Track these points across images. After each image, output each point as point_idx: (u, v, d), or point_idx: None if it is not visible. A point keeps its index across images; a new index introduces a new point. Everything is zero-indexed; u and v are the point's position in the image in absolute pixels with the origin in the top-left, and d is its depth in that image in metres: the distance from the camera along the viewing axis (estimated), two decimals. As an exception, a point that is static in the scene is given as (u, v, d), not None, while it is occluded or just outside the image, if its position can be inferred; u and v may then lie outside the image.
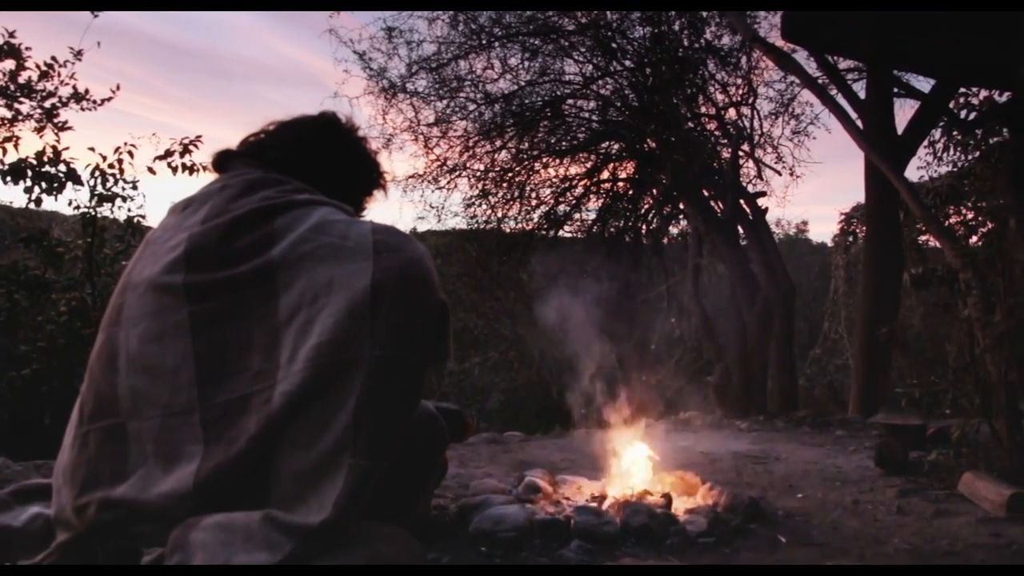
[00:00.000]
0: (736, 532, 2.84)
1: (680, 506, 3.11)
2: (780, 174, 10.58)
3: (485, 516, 2.75)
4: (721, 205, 9.26)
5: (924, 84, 8.65)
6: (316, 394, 1.26)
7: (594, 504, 2.99)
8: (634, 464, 3.50)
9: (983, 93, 8.50)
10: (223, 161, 1.63)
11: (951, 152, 9.65)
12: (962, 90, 8.36)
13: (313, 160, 1.64)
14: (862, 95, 7.66)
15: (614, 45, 9.79)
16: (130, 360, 1.36)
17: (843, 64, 9.04)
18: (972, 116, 8.78)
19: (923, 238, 11.54)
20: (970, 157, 9.49)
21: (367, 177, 1.79)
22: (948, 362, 9.31)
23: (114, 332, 1.41)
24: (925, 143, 8.76)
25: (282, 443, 1.26)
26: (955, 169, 9.72)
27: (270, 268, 1.35)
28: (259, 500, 1.25)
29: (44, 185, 6.01)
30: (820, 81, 7.24)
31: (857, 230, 15.65)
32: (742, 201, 9.29)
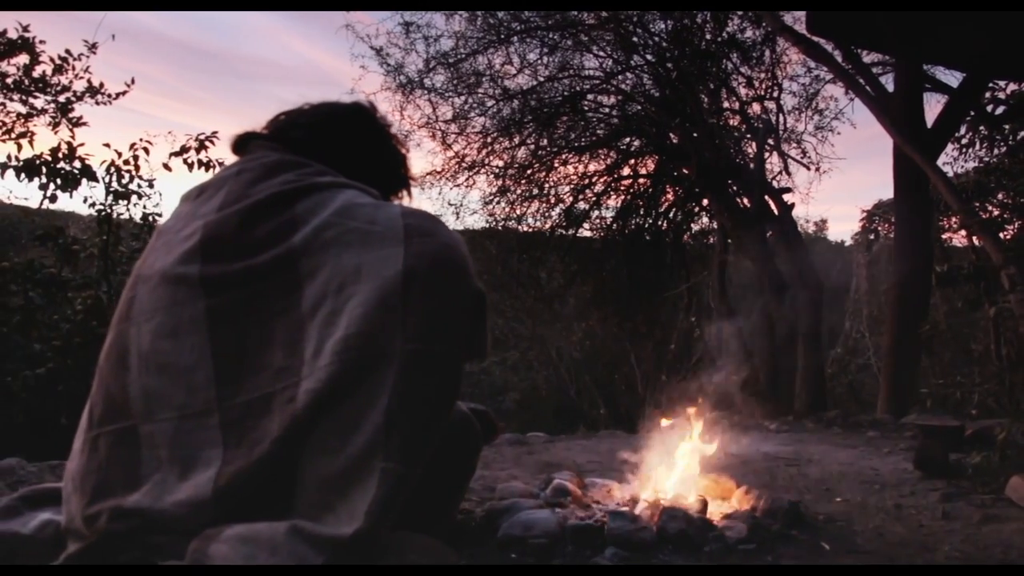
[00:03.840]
0: (777, 538, 2.71)
1: (716, 511, 2.99)
2: (808, 168, 10.46)
3: (514, 521, 2.64)
4: (747, 201, 9.10)
5: (951, 78, 8.47)
6: (344, 392, 1.16)
7: (626, 508, 2.87)
8: (664, 467, 3.38)
9: (1011, 87, 8.31)
10: (242, 144, 1.53)
11: (977, 147, 9.47)
12: (990, 84, 8.17)
13: (339, 144, 1.55)
14: (889, 88, 7.49)
15: (635, 39, 9.66)
16: (142, 358, 1.27)
17: (868, 57, 8.85)
18: (1000, 110, 8.59)
19: (947, 235, 11.34)
20: (997, 152, 9.30)
21: (394, 173, 1.69)
22: (976, 361, 9.13)
23: (125, 328, 1.32)
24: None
25: (308, 446, 1.16)
26: (981, 164, 9.53)
27: (292, 256, 1.26)
28: (283, 508, 1.15)
29: (59, 182, 5.97)
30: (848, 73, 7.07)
31: (880, 228, 15.43)
32: (768, 197, 9.13)
